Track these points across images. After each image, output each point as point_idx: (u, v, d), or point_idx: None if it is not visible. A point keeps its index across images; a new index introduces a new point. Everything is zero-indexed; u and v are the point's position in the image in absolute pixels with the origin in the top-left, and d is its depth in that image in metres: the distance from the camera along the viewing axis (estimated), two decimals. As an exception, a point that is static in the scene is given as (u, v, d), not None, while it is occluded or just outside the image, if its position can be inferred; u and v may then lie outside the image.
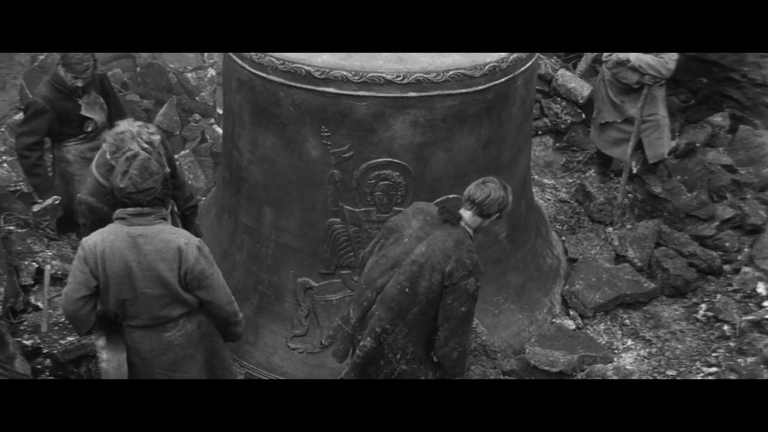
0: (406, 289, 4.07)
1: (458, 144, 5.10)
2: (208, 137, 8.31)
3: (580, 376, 5.37)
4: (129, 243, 4.06)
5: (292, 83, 4.92)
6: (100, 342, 4.38)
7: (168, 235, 4.13)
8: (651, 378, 5.57)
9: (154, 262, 4.09)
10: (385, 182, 5.06)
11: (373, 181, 5.03)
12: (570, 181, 8.29)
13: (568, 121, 8.79)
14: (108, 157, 4.56)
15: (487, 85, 5.03)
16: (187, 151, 7.96)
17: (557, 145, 8.75)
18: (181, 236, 4.18)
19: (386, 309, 4.15)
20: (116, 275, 4.07)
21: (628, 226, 7.15)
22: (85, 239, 4.20)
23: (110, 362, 4.33)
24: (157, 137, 4.66)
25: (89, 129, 5.98)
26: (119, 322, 4.28)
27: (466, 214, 4.14)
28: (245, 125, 5.31)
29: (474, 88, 4.99)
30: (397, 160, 5.01)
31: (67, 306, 4.15)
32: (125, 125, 4.61)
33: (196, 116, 8.51)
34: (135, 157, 4.12)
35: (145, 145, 4.49)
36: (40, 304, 5.97)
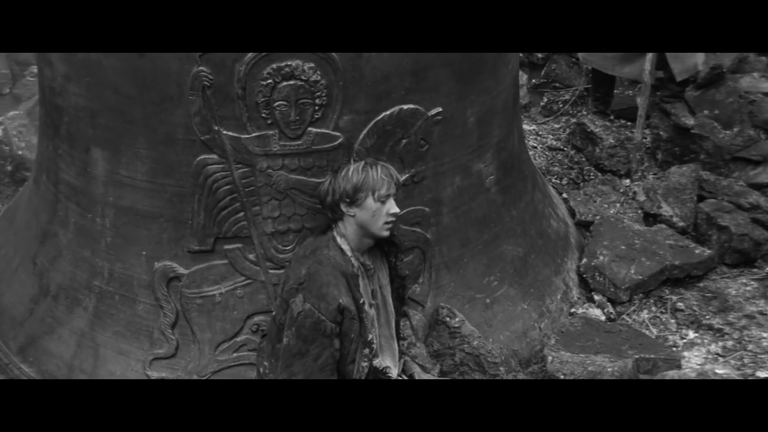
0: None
1: (414, 13, 3.47)
2: (49, 95, 6.67)
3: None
4: None
5: None
6: None
7: None
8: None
9: None
10: (292, 83, 3.34)
11: (269, 81, 3.33)
12: (556, 126, 6.95)
13: (546, 50, 7.60)
14: None
15: None
16: (20, 112, 6.54)
17: (534, 82, 7.63)
18: None
19: None
20: None
21: (652, 175, 5.95)
22: None
23: None
24: None
25: None
26: None
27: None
28: (56, 17, 3.66)
29: None
30: (309, 42, 3.35)
31: None
32: None
33: (34, 69, 7.24)
34: None
35: None
36: None
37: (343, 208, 3.14)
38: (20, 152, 5.91)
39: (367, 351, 3.18)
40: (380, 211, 3.14)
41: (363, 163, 3.19)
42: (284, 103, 3.36)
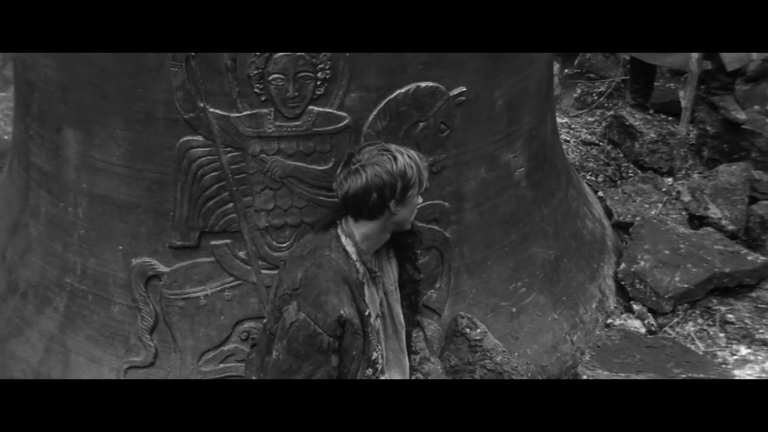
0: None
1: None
2: (41, 76, 6.56)
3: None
4: None
5: None
6: None
7: None
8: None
9: None
10: (290, 53, 3.11)
11: (264, 52, 3.13)
12: (590, 119, 6.69)
13: (580, 38, 7.19)
14: None
15: None
16: (9, 94, 6.33)
17: (566, 72, 7.40)
18: None
19: None
20: None
21: (697, 174, 5.67)
22: None
23: None
24: None
25: None
26: None
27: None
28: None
29: None
30: (310, 3, 3.10)
31: None
32: None
33: (28, 50, 7.06)
34: None
35: None
36: None
37: (393, 208, 2.76)
38: (6, 137, 5.69)
39: (370, 371, 2.78)
40: (416, 205, 2.88)
41: (403, 152, 2.82)
42: (281, 76, 3.11)
